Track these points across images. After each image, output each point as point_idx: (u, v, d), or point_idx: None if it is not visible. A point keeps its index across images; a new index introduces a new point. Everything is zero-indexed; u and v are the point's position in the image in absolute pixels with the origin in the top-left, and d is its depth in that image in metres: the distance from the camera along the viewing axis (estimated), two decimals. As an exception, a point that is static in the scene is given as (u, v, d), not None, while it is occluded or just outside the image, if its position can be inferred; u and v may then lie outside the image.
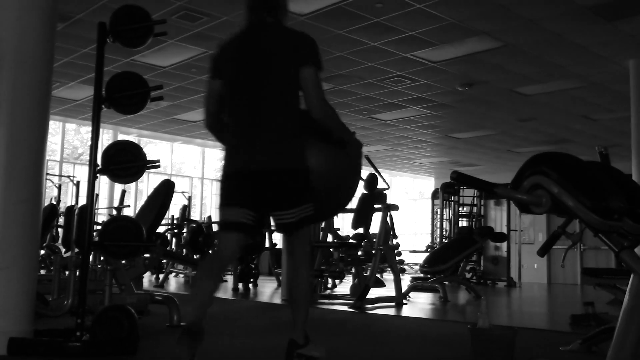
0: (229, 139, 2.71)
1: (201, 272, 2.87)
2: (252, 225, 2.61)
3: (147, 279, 10.02)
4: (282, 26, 2.70)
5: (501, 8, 6.23)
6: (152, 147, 15.34)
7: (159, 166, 3.59)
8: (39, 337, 3.21)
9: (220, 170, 2.74)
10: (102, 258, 6.30)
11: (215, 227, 9.83)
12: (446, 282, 7.93)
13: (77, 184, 8.65)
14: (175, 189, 5.38)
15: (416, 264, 13.56)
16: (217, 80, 2.73)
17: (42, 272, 7.57)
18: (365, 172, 6.85)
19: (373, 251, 6.88)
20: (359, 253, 7.67)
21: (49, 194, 10.81)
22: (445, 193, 12.43)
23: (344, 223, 14.90)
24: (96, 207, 9.70)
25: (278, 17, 2.71)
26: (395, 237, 8.03)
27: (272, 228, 5.28)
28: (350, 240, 8.67)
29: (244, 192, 2.60)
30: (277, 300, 7.03)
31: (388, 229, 7.28)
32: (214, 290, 2.62)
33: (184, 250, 9.96)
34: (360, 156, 2.82)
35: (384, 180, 8.16)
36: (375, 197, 7.61)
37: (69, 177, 11.27)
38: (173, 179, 9.67)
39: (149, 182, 14.40)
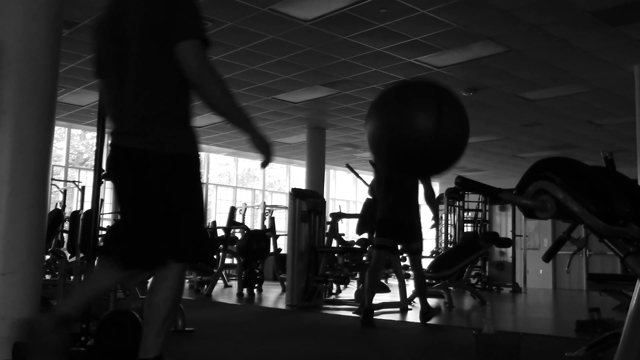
0: (385, 201, 5.20)
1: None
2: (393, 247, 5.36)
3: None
4: None
5: (505, 13, 6.23)
6: (157, 152, 15.36)
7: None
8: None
9: (380, 216, 5.30)
10: (106, 263, 6.30)
11: (220, 232, 9.84)
12: (451, 288, 7.91)
13: (82, 189, 8.68)
14: (180, 194, 5.37)
15: (421, 270, 13.51)
16: (377, 173, 5.43)
17: (47, 277, 7.60)
18: (369, 177, 6.84)
19: (377, 256, 6.86)
20: (364, 258, 7.67)
21: (54, 199, 10.84)
22: (450, 198, 12.40)
23: (348, 228, 14.93)
24: (101, 213, 9.72)
25: None
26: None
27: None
28: (355, 246, 8.67)
29: (392, 229, 5.21)
30: (282, 305, 7.02)
31: (393, 234, 7.26)
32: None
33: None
34: None
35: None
36: (380, 202, 7.59)
37: (74, 182, 11.31)
38: (178, 184, 9.67)
39: (153, 188, 14.40)
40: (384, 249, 5.22)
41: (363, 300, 5.60)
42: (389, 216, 5.20)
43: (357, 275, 8.24)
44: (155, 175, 2.15)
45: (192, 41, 2.10)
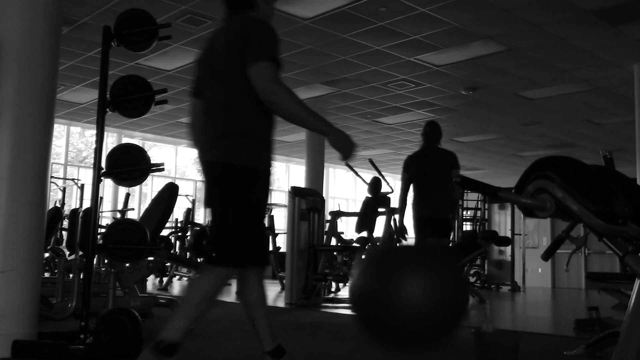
0: (416, 200, 5.32)
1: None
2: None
3: (151, 282, 10.03)
4: (438, 148, 5.43)
5: (505, 12, 6.23)
6: (157, 150, 15.37)
7: (163, 169, 3.60)
8: (42, 339, 3.22)
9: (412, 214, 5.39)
10: (106, 261, 6.31)
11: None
12: (450, 286, 7.89)
13: (82, 187, 8.68)
14: (179, 192, 5.38)
15: (420, 268, 13.51)
16: (407, 173, 5.37)
17: (46, 274, 7.59)
18: (369, 175, 6.86)
19: (377, 255, 6.87)
20: (362, 257, 7.66)
21: (54, 197, 10.83)
22: (449, 197, 12.38)
23: (347, 226, 14.93)
24: (100, 210, 9.71)
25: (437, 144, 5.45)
26: (405, 239, 8.05)
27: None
28: (354, 244, 8.67)
29: (423, 227, 5.27)
30: (281, 303, 7.02)
31: (392, 233, 7.27)
32: None
33: (187, 253, 9.97)
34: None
35: (388, 183, 8.15)
36: (379, 200, 7.61)
37: (73, 180, 11.30)
38: (177, 182, 9.69)
39: (153, 185, 14.42)
40: None
41: None
42: (418, 215, 5.38)
43: (356, 274, 8.23)
44: (213, 181, 2.39)
45: (263, 63, 2.25)
